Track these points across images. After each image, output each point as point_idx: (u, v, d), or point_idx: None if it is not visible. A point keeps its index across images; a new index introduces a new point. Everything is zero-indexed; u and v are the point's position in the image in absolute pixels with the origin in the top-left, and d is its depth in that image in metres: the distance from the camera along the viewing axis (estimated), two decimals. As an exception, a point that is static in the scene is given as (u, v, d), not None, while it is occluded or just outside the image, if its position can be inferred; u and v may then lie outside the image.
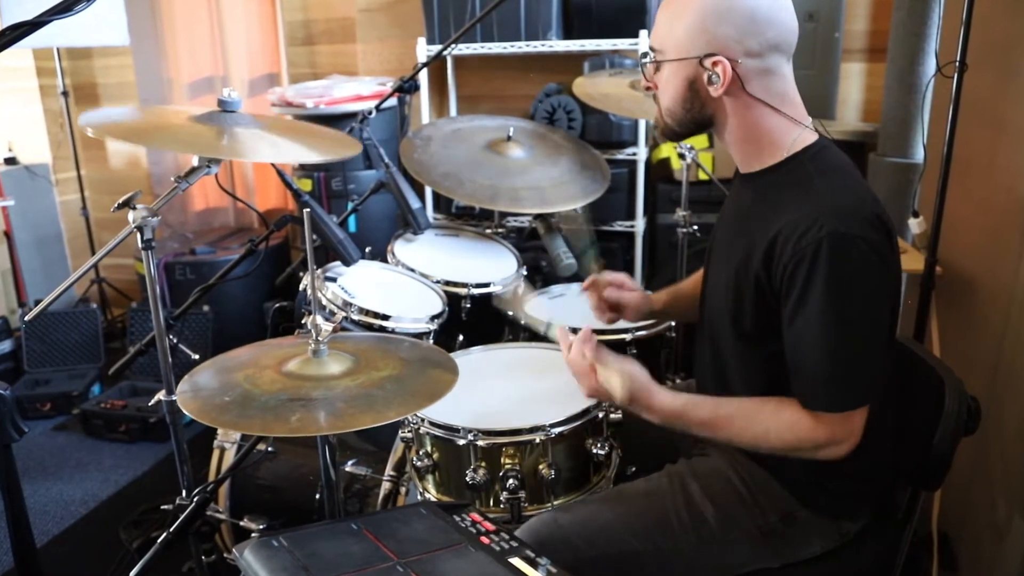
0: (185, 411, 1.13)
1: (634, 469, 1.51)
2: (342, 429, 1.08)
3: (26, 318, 1.32)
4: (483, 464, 1.34)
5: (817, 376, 1.10)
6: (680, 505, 1.26)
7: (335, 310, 1.75)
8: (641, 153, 2.84)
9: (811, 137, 1.18)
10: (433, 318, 1.81)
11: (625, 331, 1.84)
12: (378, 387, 1.18)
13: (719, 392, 1.31)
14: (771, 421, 1.14)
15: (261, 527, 1.70)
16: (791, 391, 1.16)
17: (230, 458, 1.82)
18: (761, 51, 1.12)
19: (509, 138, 2.29)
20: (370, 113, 2.06)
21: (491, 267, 2.14)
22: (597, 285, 1.56)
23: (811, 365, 1.10)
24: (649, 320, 1.78)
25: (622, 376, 1.17)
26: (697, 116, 1.19)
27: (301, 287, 1.93)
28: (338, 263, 1.89)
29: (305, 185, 3.06)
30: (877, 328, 1.11)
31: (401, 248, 2.14)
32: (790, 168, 1.17)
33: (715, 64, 1.12)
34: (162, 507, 1.46)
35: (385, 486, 1.66)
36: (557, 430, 1.34)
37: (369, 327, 1.74)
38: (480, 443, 1.33)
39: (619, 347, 1.84)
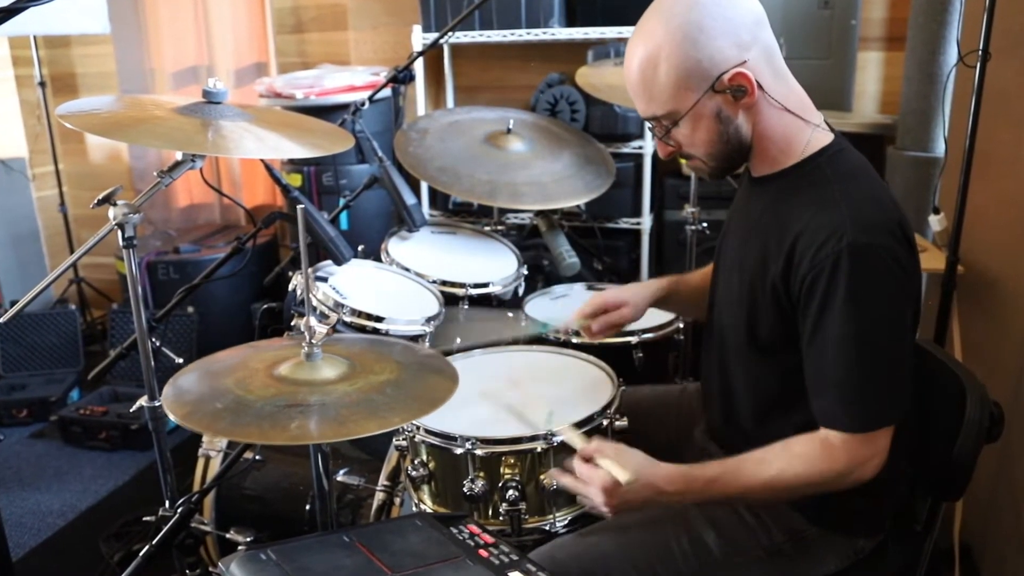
0: (175, 418, 1.12)
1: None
2: (346, 436, 1.08)
3: (1, 320, 1.32)
4: (482, 474, 1.35)
5: (837, 395, 1.09)
6: (680, 532, 1.25)
7: (326, 311, 1.75)
8: (647, 147, 2.84)
9: (826, 138, 1.18)
10: (429, 319, 1.81)
11: (631, 334, 1.84)
12: (378, 392, 1.18)
13: (724, 400, 1.32)
14: (781, 460, 1.13)
15: (248, 540, 1.70)
16: (799, 406, 1.16)
17: (216, 467, 1.82)
18: (752, 37, 1.12)
19: (509, 131, 2.29)
20: (363, 104, 2.06)
21: (490, 266, 2.14)
22: (581, 329, 1.53)
23: (831, 383, 1.10)
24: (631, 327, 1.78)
25: (621, 454, 1.16)
26: (735, 141, 1.17)
27: (290, 287, 1.93)
28: (329, 262, 1.89)
29: (295, 180, 3.06)
30: (900, 344, 1.11)
31: (395, 246, 2.14)
32: (806, 171, 1.17)
33: (731, 80, 1.10)
34: (144, 518, 1.47)
35: (379, 496, 1.66)
36: (559, 438, 1.33)
37: (362, 329, 1.74)
38: (478, 452, 1.33)
39: (625, 350, 1.84)
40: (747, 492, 1.15)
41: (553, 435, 1.33)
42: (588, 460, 1.18)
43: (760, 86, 1.12)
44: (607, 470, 1.14)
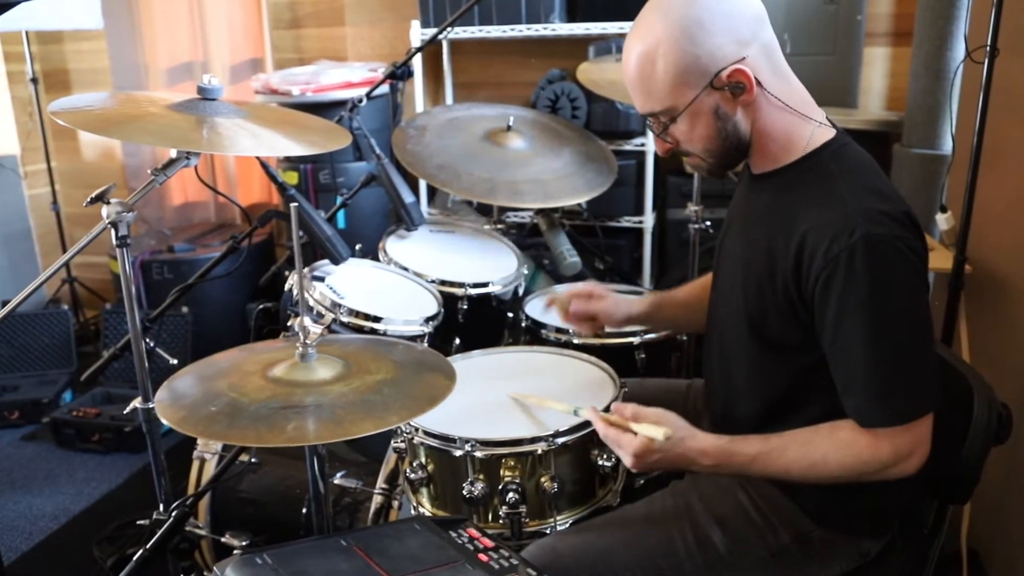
0: (169, 424, 1.12)
1: (642, 482, 1.51)
2: (343, 436, 1.09)
3: (-7, 320, 1.34)
4: (481, 476, 1.34)
5: (870, 391, 1.09)
6: (685, 529, 1.26)
7: (323, 311, 1.75)
8: (650, 144, 2.83)
9: (828, 133, 1.19)
10: (428, 320, 1.81)
11: (633, 334, 1.84)
12: (375, 392, 1.18)
13: (726, 397, 1.32)
14: (827, 444, 1.13)
15: (244, 543, 1.70)
16: (807, 404, 1.16)
17: (211, 470, 1.82)
18: (752, 34, 1.12)
19: (509, 128, 2.29)
20: (360, 101, 2.06)
21: (490, 266, 2.14)
22: (557, 303, 1.57)
23: (862, 380, 1.09)
24: (633, 327, 1.78)
25: (661, 419, 1.16)
26: (734, 139, 1.17)
27: (286, 287, 1.93)
28: (326, 261, 1.90)
29: (291, 178, 3.06)
30: (924, 330, 1.11)
31: (393, 245, 2.14)
32: (809, 167, 1.17)
33: (730, 76, 1.11)
34: (138, 522, 1.47)
35: (376, 500, 1.66)
36: (561, 440, 1.33)
37: (359, 329, 1.74)
38: (478, 454, 1.33)
39: (626, 351, 1.84)
40: (788, 473, 1.15)
41: (558, 435, 1.33)
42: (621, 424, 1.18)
43: (759, 83, 1.12)
44: (642, 434, 1.14)
